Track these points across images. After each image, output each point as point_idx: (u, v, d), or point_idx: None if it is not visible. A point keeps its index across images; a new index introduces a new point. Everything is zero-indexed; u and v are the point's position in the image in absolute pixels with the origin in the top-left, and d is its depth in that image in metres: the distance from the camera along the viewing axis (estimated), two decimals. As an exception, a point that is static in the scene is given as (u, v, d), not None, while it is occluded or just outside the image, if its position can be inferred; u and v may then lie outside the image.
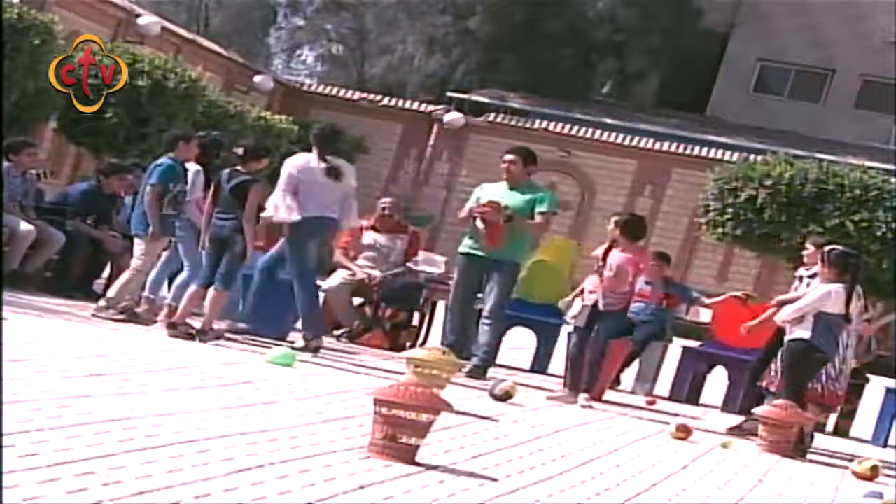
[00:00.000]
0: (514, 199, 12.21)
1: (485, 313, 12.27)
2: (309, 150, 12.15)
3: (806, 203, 30.28)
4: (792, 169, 30.72)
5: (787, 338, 10.56)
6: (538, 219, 12.26)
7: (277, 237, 12.16)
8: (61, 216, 13.54)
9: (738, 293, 14.17)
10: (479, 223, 12.15)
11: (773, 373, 11.06)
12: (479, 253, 12.21)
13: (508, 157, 12.43)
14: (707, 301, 14.18)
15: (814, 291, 10.52)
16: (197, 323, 11.13)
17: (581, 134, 38.90)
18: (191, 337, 10.84)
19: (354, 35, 48.69)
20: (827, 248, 10.67)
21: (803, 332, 10.33)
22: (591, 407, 11.08)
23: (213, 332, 11.00)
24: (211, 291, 11.07)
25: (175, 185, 11.88)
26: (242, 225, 10.99)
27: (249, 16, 50.18)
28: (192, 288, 11.20)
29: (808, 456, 10.32)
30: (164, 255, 12.09)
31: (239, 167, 11.17)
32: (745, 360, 13.61)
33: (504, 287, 12.23)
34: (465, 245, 12.36)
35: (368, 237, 14.06)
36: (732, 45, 44.75)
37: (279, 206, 11.64)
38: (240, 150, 11.25)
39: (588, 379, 11.36)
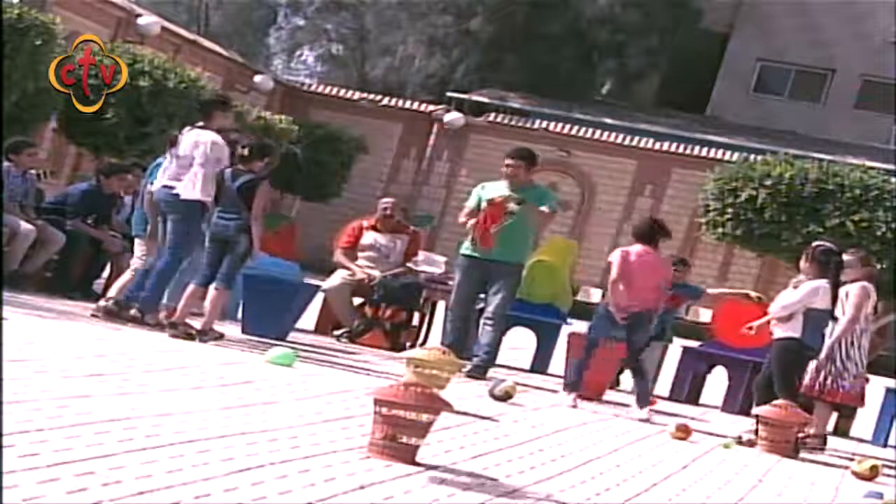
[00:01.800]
0: (517, 199, 12.22)
1: (487, 314, 12.26)
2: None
3: (806, 203, 30.30)
4: (792, 169, 30.74)
5: (776, 336, 10.60)
6: (544, 208, 12.28)
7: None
8: (61, 216, 13.53)
9: (752, 293, 14.16)
10: (471, 225, 12.15)
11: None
12: (481, 255, 12.18)
13: (510, 161, 12.37)
14: (713, 291, 14.19)
15: (801, 288, 10.61)
16: (196, 323, 11.13)
17: (581, 134, 38.89)
18: (190, 337, 10.84)
19: (354, 35, 48.68)
20: (813, 245, 10.80)
21: (793, 332, 10.38)
22: (575, 406, 10.95)
23: (212, 332, 10.99)
24: (212, 291, 11.06)
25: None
26: (247, 225, 10.98)
27: (249, 16, 50.18)
28: (191, 287, 11.19)
29: (810, 456, 10.32)
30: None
31: (241, 166, 11.17)
32: (745, 360, 13.62)
33: (510, 289, 12.22)
34: (467, 247, 12.34)
35: (369, 237, 14.06)
36: (732, 45, 44.74)
37: None
38: (244, 151, 11.24)
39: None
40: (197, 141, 11.37)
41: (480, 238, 12.12)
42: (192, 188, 11.31)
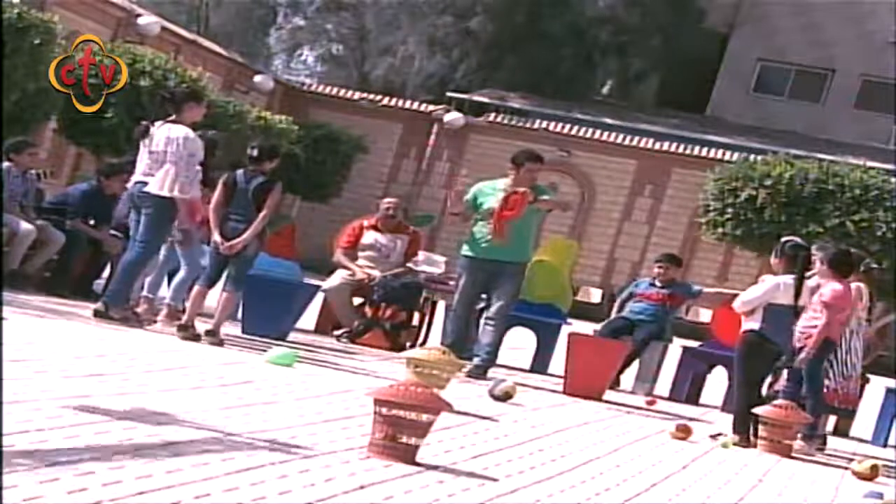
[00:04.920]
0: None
1: (489, 314, 12.26)
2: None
3: (806, 203, 30.33)
4: (792, 169, 30.77)
5: (741, 329, 10.61)
6: (545, 197, 12.46)
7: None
8: (61, 216, 13.53)
9: None
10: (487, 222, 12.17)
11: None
12: (486, 256, 12.15)
13: (537, 165, 12.41)
14: (709, 290, 14.16)
15: (763, 283, 10.62)
16: (198, 323, 11.13)
17: (581, 134, 38.90)
18: (197, 338, 10.83)
19: (354, 35, 48.66)
20: (781, 240, 10.80)
21: (753, 324, 10.39)
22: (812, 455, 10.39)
23: (217, 334, 10.97)
24: (222, 293, 11.07)
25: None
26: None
27: (249, 16, 50.16)
28: (196, 288, 11.19)
29: (810, 456, 10.32)
30: (162, 254, 12.05)
31: (252, 168, 11.18)
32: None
33: (514, 290, 12.23)
34: (469, 248, 12.31)
35: (369, 237, 14.05)
36: (732, 45, 44.75)
37: None
38: (254, 152, 11.24)
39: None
40: (169, 136, 11.34)
41: (496, 227, 12.08)
42: (162, 185, 11.21)
